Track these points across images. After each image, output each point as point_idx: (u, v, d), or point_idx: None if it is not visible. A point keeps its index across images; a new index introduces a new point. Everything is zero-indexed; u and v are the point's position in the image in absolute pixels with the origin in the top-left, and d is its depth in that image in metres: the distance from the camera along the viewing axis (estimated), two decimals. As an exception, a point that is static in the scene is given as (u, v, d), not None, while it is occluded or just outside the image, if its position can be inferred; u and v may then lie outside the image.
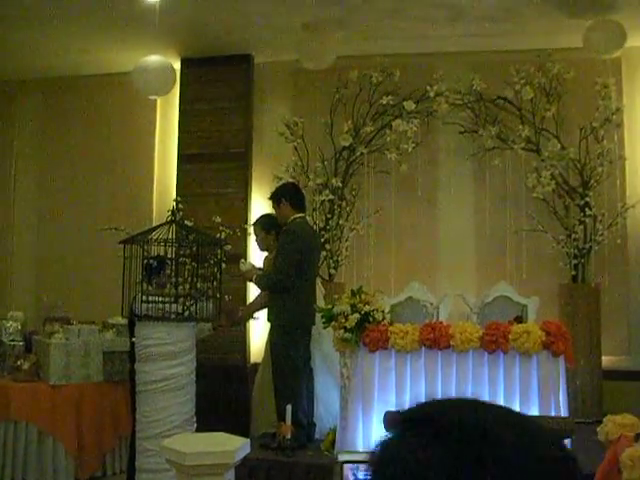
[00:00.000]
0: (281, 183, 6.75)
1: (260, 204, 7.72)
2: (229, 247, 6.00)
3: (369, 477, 1.00)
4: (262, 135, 7.97)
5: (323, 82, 7.45)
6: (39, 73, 8.59)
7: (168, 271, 5.48)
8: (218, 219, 6.48)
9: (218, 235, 6.18)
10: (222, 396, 7.11)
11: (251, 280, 6.21)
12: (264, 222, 6.37)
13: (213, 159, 7.90)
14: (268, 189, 7.37)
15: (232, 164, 7.86)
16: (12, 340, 7.03)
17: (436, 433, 0.96)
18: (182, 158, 8.03)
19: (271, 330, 5.97)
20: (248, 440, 4.10)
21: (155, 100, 8.34)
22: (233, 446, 3.86)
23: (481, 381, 5.11)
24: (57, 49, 7.75)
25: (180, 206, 5.57)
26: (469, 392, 5.12)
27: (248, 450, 4.06)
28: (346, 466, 3.92)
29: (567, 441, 4.89)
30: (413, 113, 7.07)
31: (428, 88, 6.98)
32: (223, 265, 5.73)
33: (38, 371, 6.64)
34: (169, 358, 5.18)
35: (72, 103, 8.65)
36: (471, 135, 7.26)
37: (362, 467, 3.84)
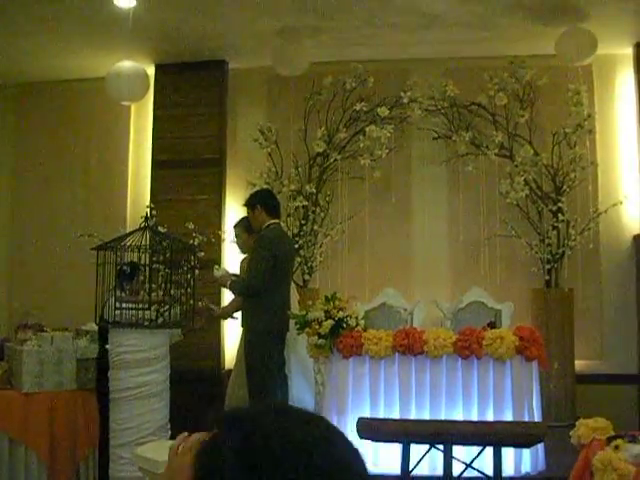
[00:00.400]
0: (255, 189, 6.72)
1: (234, 210, 7.71)
2: (202, 254, 5.97)
3: None
4: (236, 141, 7.96)
5: (297, 88, 7.47)
6: (10, 78, 8.49)
7: (141, 277, 5.45)
8: (191, 225, 6.45)
9: (191, 241, 6.14)
10: (196, 402, 7.06)
11: (225, 286, 6.15)
12: (246, 224, 6.28)
13: (187, 165, 7.87)
14: (242, 195, 7.35)
15: (206, 170, 7.83)
16: (-18, 348, 6.94)
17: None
18: (156, 164, 7.99)
19: (244, 335, 5.92)
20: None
21: (129, 106, 8.31)
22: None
23: (455, 386, 5.12)
24: (30, 54, 7.68)
25: (153, 212, 5.53)
26: (443, 397, 5.13)
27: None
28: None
29: (540, 445, 4.93)
30: (387, 119, 7.09)
31: (402, 94, 7.01)
32: (196, 271, 5.70)
33: (10, 379, 6.55)
34: (143, 365, 5.15)
35: (45, 108, 8.57)
36: (445, 141, 7.29)
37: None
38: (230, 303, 6.46)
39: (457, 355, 5.11)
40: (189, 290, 5.42)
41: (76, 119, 8.43)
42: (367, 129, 6.97)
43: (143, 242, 5.26)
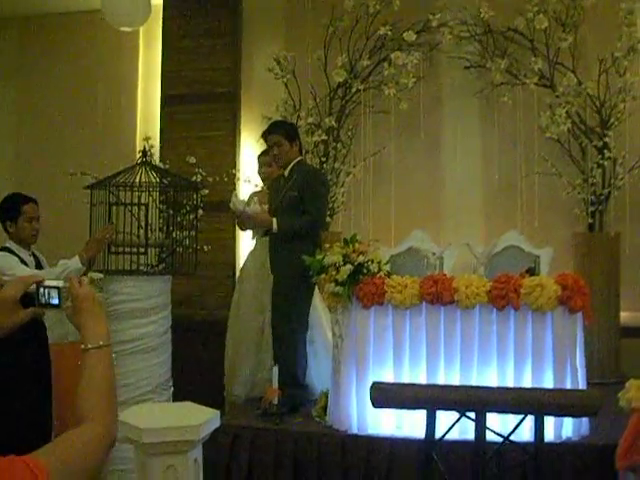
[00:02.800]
0: (279, 120, 6.13)
1: (250, 147, 7.17)
2: (206, 191, 5.40)
3: None
4: (251, 74, 7.40)
5: (316, 15, 6.82)
6: (13, 11, 8.03)
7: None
8: (192, 159, 5.87)
9: (194, 178, 5.56)
10: (208, 355, 6.60)
11: (257, 222, 5.50)
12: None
13: (199, 100, 7.35)
14: (257, 131, 6.77)
15: (219, 105, 7.32)
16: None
17: None
18: (166, 100, 7.47)
19: (286, 281, 5.28)
20: (217, 412, 3.56)
21: (137, 39, 7.80)
22: (199, 420, 3.32)
23: (489, 341, 4.55)
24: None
25: (152, 144, 4.98)
26: (475, 352, 4.58)
27: (218, 424, 3.52)
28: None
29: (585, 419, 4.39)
30: (414, 45, 6.43)
31: (430, 17, 6.32)
32: (200, 212, 5.17)
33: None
34: (139, 316, 4.66)
35: (50, 42, 8.12)
36: (478, 70, 6.63)
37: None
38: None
39: (491, 305, 4.53)
40: (192, 233, 4.88)
41: (83, 53, 7.95)
42: (392, 55, 6.30)
43: (142, 179, 4.75)
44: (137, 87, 7.80)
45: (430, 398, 2.70)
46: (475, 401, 2.61)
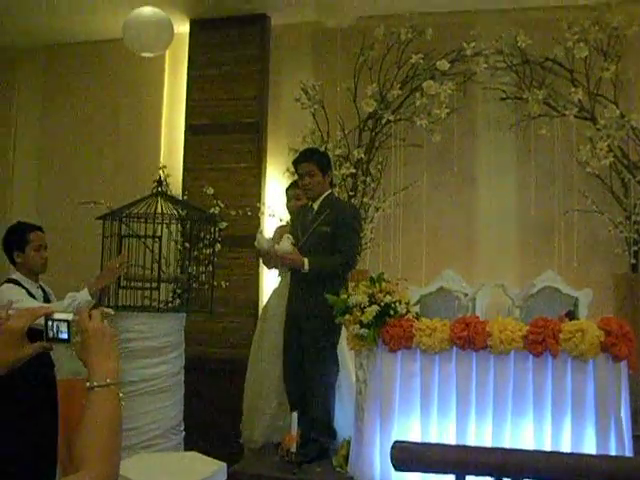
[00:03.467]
0: (315, 148, 5.88)
1: (275, 180, 6.90)
2: (224, 225, 5.13)
3: None
4: (278, 104, 7.13)
5: (346, 44, 6.60)
6: (41, 39, 7.93)
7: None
8: (210, 190, 5.59)
9: (212, 210, 5.28)
10: (226, 397, 6.29)
11: (285, 265, 5.22)
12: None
13: (224, 131, 7.09)
14: (283, 164, 6.58)
15: (245, 136, 7.03)
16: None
17: None
18: (190, 129, 7.23)
19: (315, 322, 4.96)
20: (224, 466, 3.26)
21: (162, 67, 7.60)
22: (203, 474, 3.02)
23: (524, 390, 4.21)
24: (59, 12, 7.04)
25: (168, 174, 4.72)
26: (509, 403, 4.24)
27: (224, 478, 3.22)
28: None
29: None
30: (448, 76, 6.14)
31: (465, 45, 6.02)
32: (218, 246, 4.90)
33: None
34: (150, 355, 4.38)
35: (75, 70, 7.94)
36: (514, 102, 6.30)
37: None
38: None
39: (528, 352, 4.20)
40: (209, 268, 4.60)
41: (105, 82, 7.77)
42: (424, 84, 6.01)
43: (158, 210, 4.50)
44: (161, 116, 7.57)
45: (460, 461, 2.37)
46: (511, 467, 2.28)
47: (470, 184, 6.62)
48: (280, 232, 5.76)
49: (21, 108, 8.27)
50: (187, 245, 4.65)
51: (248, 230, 6.58)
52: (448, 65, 6.02)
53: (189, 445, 4.89)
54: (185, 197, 6.24)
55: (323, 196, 5.23)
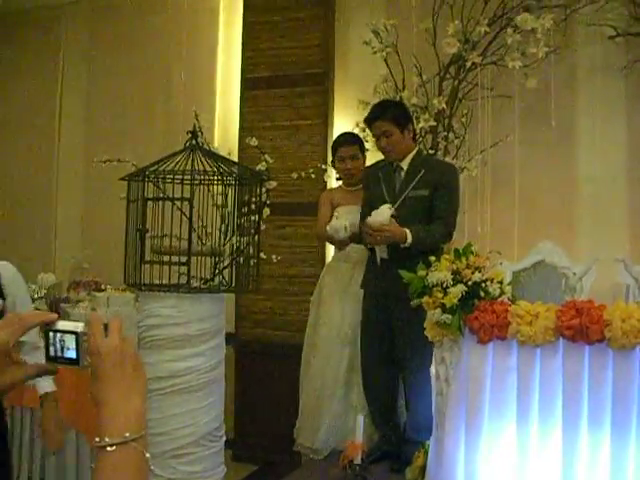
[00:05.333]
0: (388, 100, 5.07)
1: (344, 139, 6.02)
2: (274, 184, 4.27)
3: None
4: (346, 52, 6.26)
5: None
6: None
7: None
8: (254, 142, 4.71)
9: (258, 166, 4.41)
10: (283, 386, 5.52)
11: (385, 238, 4.39)
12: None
13: (284, 83, 6.27)
14: (353, 119, 5.69)
15: (309, 89, 6.22)
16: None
17: None
18: (247, 83, 6.42)
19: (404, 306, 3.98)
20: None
21: (217, 16, 6.79)
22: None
23: (654, 395, 3.28)
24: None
25: (202, 124, 3.90)
26: (633, 411, 3.31)
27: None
28: None
29: None
30: (546, 7, 5.13)
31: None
32: (266, 211, 4.07)
33: (62, 348, 5.23)
34: (180, 346, 3.57)
35: (122, 25, 7.25)
36: (625, 40, 5.27)
37: None
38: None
39: (659, 347, 3.26)
40: (254, 239, 3.77)
41: (155, 35, 7.03)
42: (518, 18, 4.98)
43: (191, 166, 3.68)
44: (216, 70, 6.77)
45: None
46: None
47: (571, 140, 5.60)
48: (327, 197, 4.98)
49: (68, 66, 7.69)
50: (228, 210, 3.80)
51: (313, 195, 5.78)
52: (547, -6, 4.99)
53: (234, 449, 4.14)
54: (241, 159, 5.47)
55: (412, 154, 4.50)
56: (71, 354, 1.32)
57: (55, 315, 1.37)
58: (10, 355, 1.32)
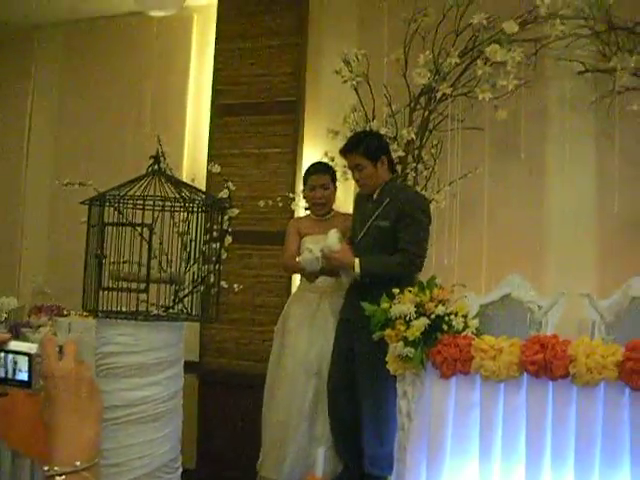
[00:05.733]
0: (362, 132, 5.01)
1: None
2: (236, 211, 4.21)
3: None
4: (318, 80, 6.20)
5: (395, 9, 5.59)
6: (59, 15, 7.22)
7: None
8: (217, 169, 4.63)
9: (221, 194, 4.34)
10: (246, 416, 5.42)
11: (334, 264, 4.43)
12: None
13: (256, 111, 6.20)
14: (322, 149, 5.64)
15: (279, 117, 6.14)
16: (-8, 334, 5.57)
17: None
18: (217, 109, 6.35)
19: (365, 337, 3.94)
20: None
21: (189, 41, 6.75)
22: None
23: (617, 433, 3.22)
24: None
25: (165, 149, 3.84)
26: (597, 449, 3.25)
27: None
28: None
29: None
30: (516, 42, 5.12)
31: (538, 2, 4.96)
32: (228, 239, 4.00)
33: (21, 375, 5.11)
34: (136, 374, 3.48)
35: (94, 48, 7.21)
36: (593, 76, 5.27)
37: None
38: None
39: (623, 383, 3.21)
40: (216, 267, 3.69)
41: (128, 57, 6.98)
42: (488, 50, 4.97)
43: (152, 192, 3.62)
44: (187, 97, 6.72)
45: None
46: None
47: (540, 173, 5.55)
48: (294, 226, 4.95)
49: (38, 87, 7.61)
50: (189, 237, 3.74)
51: (279, 225, 5.72)
52: (517, 27, 4.97)
53: None
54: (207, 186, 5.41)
55: (384, 184, 4.48)
56: (23, 376, 1.27)
57: (7, 335, 1.31)
58: None
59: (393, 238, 4.34)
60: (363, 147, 4.51)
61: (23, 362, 1.26)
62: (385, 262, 4.34)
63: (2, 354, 1.28)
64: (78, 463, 1.12)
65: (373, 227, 4.44)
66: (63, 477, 1.11)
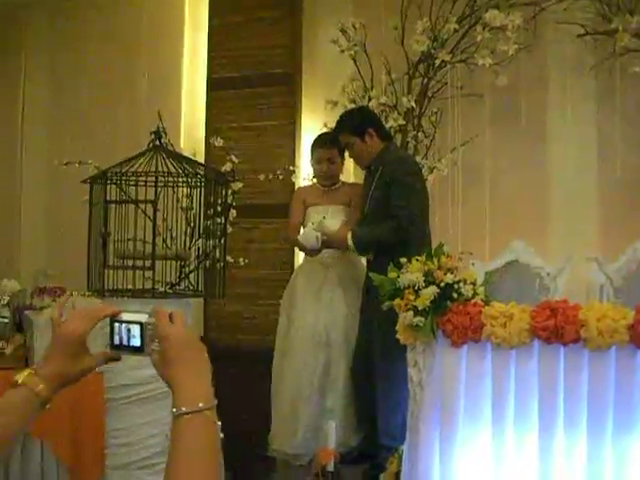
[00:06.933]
0: (346, 111, 4.97)
1: (311, 138, 5.92)
2: (239, 185, 4.19)
3: None
4: (314, 51, 6.16)
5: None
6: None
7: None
8: (219, 142, 4.60)
9: (223, 168, 4.30)
10: (255, 391, 5.41)
11: (334, 240, 4.50)
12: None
13: (251, 84, 6.17)
14: (321, 120, 5.59)
15: (276, 89, 6.13)
16: (-3, 317, 5.56)
17: None
18: (213, 83, 6.31)
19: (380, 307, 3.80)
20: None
21: (182, 16, 6.66)
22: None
23: (629, 395, 3.21)
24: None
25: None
26: (609, 411, 3.25)
27: None
28: None
29: None
30: (514, 6, 5.07)
31: (537, -36, 4.92)
32: (233, 213, 3.97)
33: (27, 357, 5.12)
34: (144, 353, 3.46)
35: (84, 24, 7.08)
36: (593, 39, 5.23)
37: None
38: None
39: (634, 346, 3.20)
40: (221, 241, 3.67)
41: (120, 35, 6.85)
42: (487, 15, 4.92)
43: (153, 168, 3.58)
44: (182, 71, 6.65)
45: None
46: None
47: (541, 139, 5.56)
48: (299, 197, 4.93)
49: (30, 67, 7.48)
50: (192, 212, 3.71)
51: (281, 197, 5.71)
52: (515, -8, 4.93)
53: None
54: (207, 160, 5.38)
55: (376, 154, 4.51)
56: (136, 342, 1.45)
57: (120, 309, 1.50)
58: (85, 345, 1.45)
59: (388, 205, 4.34)
60: (347, 126, 4.56)
61: (135, 330, 1.44)
62: (374, 231, 4.37)
63: (116, 324, 1.46)
64: (201, 404, 1.30)
65: (371, 198, 4.47)
66: (189, 415, 1.29)
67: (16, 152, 7.40)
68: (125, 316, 1.47)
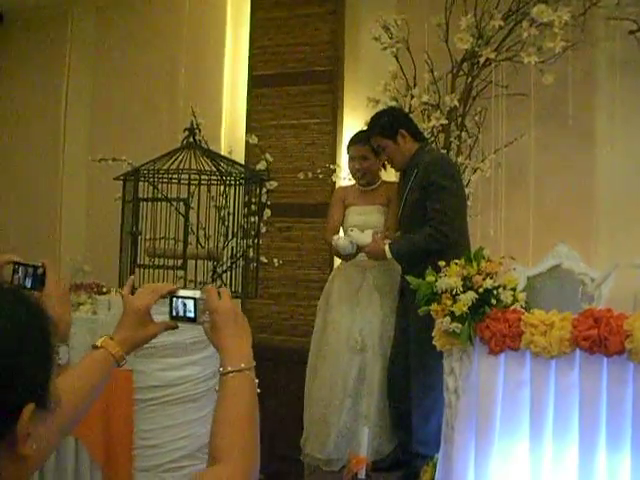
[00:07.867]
0: (377, 112, 4.84)
1: (353, 137, 5.83)
2: (274, 184, 4.08)
3: None
4: (356, 49, 6.03)
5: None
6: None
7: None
8: (254, 139, 4.48)
9: (258, 166, 4.21)
10: (289, 393, 5.33)
11: (371, 254, 4.41)
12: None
13: (293, 81, 6.08)
14: (362, 118, 5.47)
15: (317, 87, 6.02)
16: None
17: None
18: (254, 80, 6.23)
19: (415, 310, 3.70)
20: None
21: (224, 14, 6.61)
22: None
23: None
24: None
25: (202, 122, 3.73)
26: (655, 427, 3.10)
27: None
28: None
29: None
30: (563, 1, 4.90)
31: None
32: (267, 212, 3.89)
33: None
34: (174, 354, 3.39)
35: (128, 22, 7.09)
36: (646, 36, 5.05)
37: None
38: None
39: (684, 360, 3.05)
40: (255, 241, 3.58)
41: (162, 32, 6.82)
42: (534, 10, 4.76)
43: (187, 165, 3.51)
44: (223, 68, 6.58)
45: None
46: None
47: (589, 140, 5.36)
48: (339, 197, 4.83)
49: (73, 64, 7.48)
50: (227, 211, 3.63)
51: (321, 196, 5.64)
52: (565, -14, 4.76)
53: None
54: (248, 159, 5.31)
55: (411, 155, 4.39)
56: (190, 314, 1.74)
57: (177, 287, 1.81)
58: (150, 315, 1.75)
59: (425, 209, 4.22)
60: (378, 128, 4.48)
61: (190, 304, 1.73)
62: (412, 240, 4.25)
63: (174, 299, 1.75)
64: (243, 365, 1.57)
65: (407, 202, 4.37)
66: (233, 374, 1.55)
67: (58, 147, 7.41)
68: (181, 292, 1.77)
